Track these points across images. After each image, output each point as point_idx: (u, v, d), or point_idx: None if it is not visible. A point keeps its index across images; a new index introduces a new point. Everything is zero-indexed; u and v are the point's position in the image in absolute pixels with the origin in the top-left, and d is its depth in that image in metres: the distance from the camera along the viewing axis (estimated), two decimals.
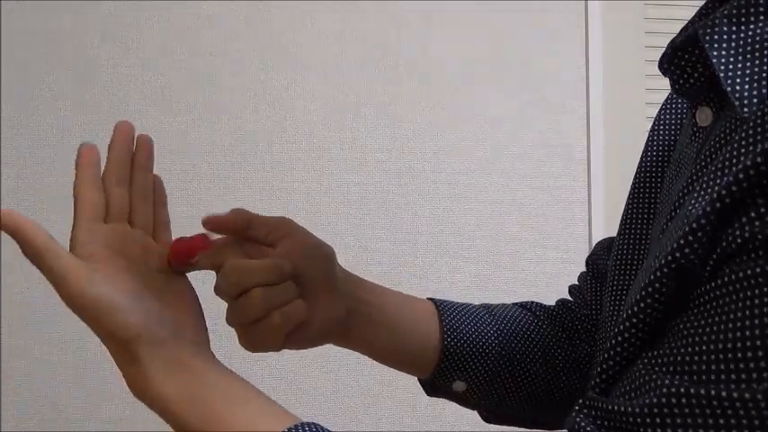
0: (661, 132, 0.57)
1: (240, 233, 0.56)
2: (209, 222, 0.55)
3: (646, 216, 0.55)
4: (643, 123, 1.64)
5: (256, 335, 0.55)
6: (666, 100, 0.59)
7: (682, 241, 0.37)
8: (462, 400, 0.67)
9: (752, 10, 0.40)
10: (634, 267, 0.53)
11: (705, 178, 0.39)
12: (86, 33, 1.44)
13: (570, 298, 0.71)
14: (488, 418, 0.68)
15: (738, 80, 0.39)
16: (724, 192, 0.36)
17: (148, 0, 1.46)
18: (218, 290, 0.54)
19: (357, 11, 1.53)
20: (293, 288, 0.55)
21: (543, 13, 1.59)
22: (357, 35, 1.53)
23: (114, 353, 0.49)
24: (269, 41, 1.50)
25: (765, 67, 0.39)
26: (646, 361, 0.38)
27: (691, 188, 0.42)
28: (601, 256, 0.67)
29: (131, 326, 0.48)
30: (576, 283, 0.71)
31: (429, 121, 1.54)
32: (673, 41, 0.44)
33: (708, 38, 0.41)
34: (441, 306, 0.66)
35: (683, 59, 0.44)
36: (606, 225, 1.59)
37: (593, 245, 0.70)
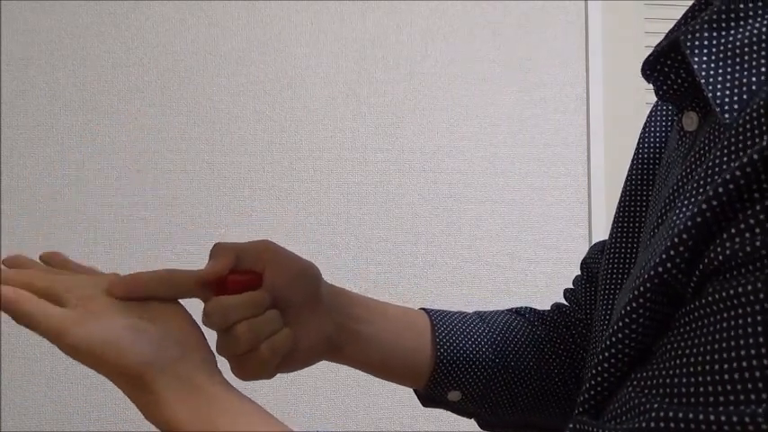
0: (652, 133, 0.57)
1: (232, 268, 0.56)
2: (209, 278, 0.54)
3: (637, 219, 0.54)
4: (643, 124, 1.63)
5: (247, 365, 0.55)
6: (658, 101, 0.59)
7: (664, 256, 0.37)
8: (458, 409, 0.67)
9: (732, 15, 0.40)
10: (625, 274, 0.53)
11: (688, 186, 0.38)
12: (86, 33, 1.44)
13: (565, 302, 0.71)
14: (485, 425, 0.68)
15: (720, 86, 0.38)
16: (704, 206, 0.35)
17: (148, 0, 1.46)
18: (204, 323, 0.54)
19: (357, 11, 1.52)
20: (278, 317, 0.55)
21: (543, 13, 1.59)
22: (357, 35, 1.52)
23: (126, 388, 0.49)
24: (268, 42, 1.50)
25: (746, 73, 0.38)
26: (635, 383, 0.37)
27: (677, 194, 0.42)
28: (595, 260, 0.66)
29: (140, 357, 0.47)
30: (572, 286, 0.71)
31: (429, 121, 1.54)
32: (656, 47, 0.44)
33: (689, 44, 0.40)
34: (433, 316, 0.65)
35: (666, 65, 0.43)
36: (606, 225, 1.58)
37: None
